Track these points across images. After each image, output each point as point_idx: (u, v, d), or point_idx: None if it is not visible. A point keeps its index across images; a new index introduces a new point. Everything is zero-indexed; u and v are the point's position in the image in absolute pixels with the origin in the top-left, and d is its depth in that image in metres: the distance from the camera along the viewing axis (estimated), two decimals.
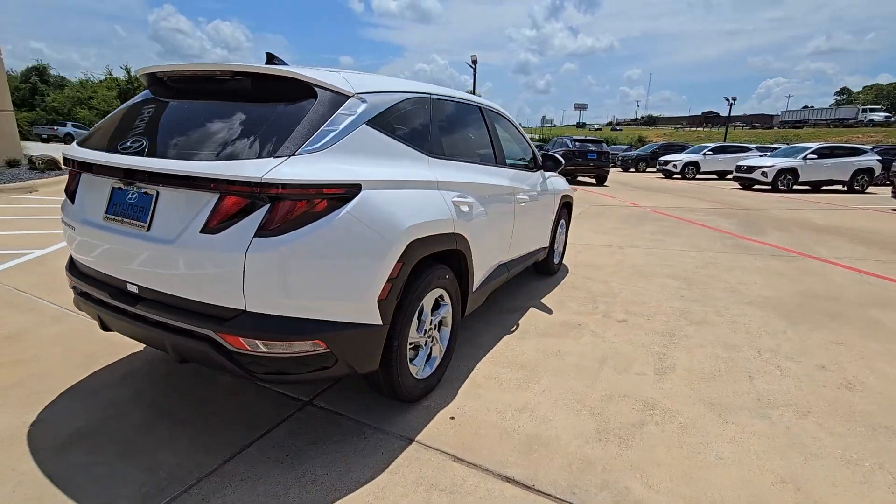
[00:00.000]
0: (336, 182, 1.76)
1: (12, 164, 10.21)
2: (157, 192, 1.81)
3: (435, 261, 2.38)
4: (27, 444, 2.02)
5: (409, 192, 2.11)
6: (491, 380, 2.71)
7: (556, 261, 4.81)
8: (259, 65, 1.93)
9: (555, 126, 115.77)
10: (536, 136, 49.27)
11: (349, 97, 1.98)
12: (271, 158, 1.67)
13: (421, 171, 2.27)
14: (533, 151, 4.02)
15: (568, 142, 16.07)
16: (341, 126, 1.89)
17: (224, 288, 1.68)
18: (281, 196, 1.65)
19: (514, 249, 3.49)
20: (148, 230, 1.80)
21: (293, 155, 1.71)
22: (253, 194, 1.65)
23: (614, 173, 23.63)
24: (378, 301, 1.93)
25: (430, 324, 2.43)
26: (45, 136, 32.14)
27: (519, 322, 3.58)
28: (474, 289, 2.85)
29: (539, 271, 4.74)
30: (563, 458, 2.06)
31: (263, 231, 1.65)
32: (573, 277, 4.81)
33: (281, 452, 2.02)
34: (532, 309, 3.86)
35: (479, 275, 2.88)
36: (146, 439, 2.08)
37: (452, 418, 2.33)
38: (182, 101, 2.03)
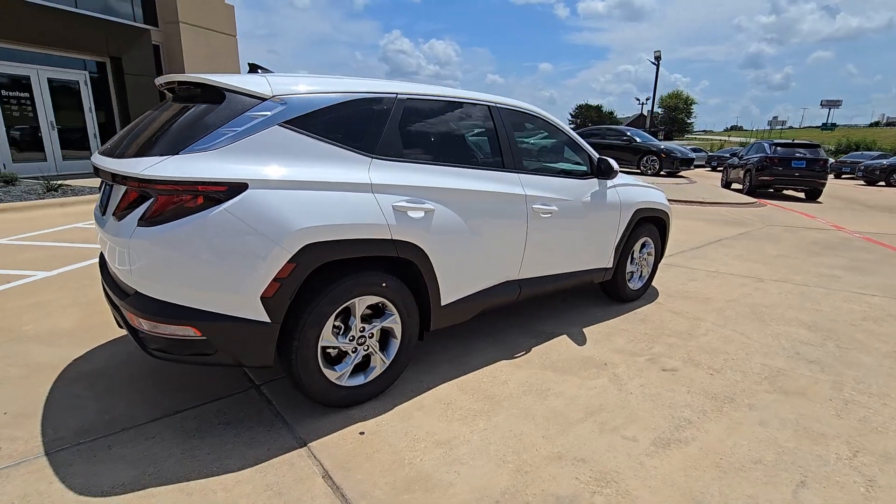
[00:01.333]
0: (213, 180, 1.86)
1: None
2: (111, 187, 2.18)
3: (367, 266, 2.29)
4: (59, 371, 2.66)
5: (318, 193, 2.08)
6: (439, 404, 2.47)
7: (633, 286, 4.05)
8: (193, 74, 2.15)
9: (789, 128, 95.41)
10: (749, 140, 41.41)
11: (265, 100, 2.06)
12: (157, 156, 1.86)
13: (349, 172, 2.20)
14: (588, 157, 3.47)
15: (766, 147, 13.14)
16: (244, 127, 1.98)
17: (124, 268, 1.94)
18: (157, 190, 1.83)
19: (534, 266, 3.09)
20: (103, 215, 2.19)
21: (177, 154, 1.87)
22: (140, 188, 1.86)
23: (847, 188, 18.50)
24: (262, 298, 1.96)
25: (361, 331, 2.34)
26: None
27: (532, 348, 3.15)
28: (446, 303, 2.62)
29: (609, 295, 4.06)
30: None
31: (143, 220, 1.85)
32: (654, 308, 3.98)
33: (195, 424, 2.23)
34: (563, 336, 3.34)
35: (453, 288, 2.64)
36: (124, 387, 2.53)
37: (362, 433, 2.21)
38: (158, 108, 2.39)
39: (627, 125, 32.14)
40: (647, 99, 32.10)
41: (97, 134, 11.12)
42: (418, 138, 2.60)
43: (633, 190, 3.82)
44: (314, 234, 2.03)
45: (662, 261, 5.02)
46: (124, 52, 11.10)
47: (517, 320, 3.59)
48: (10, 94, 9.41)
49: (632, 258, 4.01)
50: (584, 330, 3.49)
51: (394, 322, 2.46)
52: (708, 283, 4.74)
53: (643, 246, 4.11)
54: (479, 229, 2.71)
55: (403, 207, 2.32)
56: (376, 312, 2.43)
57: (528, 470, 2.00)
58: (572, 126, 52.28)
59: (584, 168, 3.46)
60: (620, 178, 3.77)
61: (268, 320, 2.00)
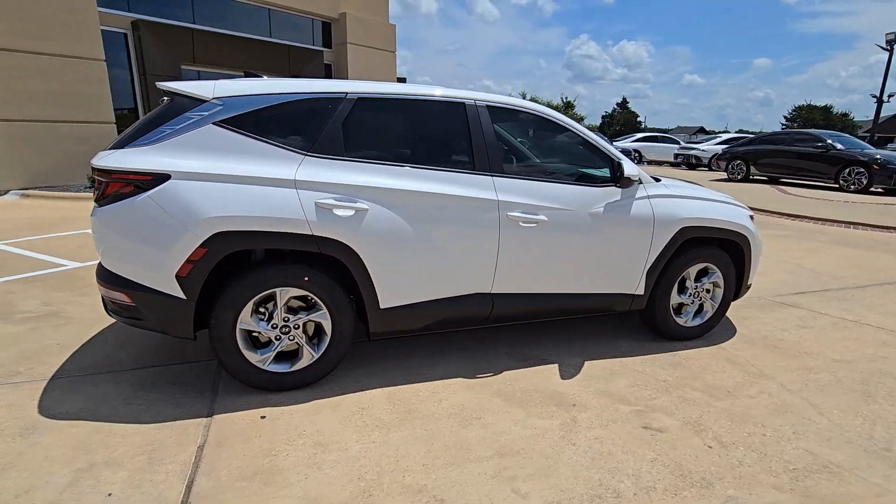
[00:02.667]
0: (140, 170, 2.16)
1: None
2: None
3: (288, 259, 2.38)
4: (111, 322, 3.37)
5: (236, 186, 2.23)
6: (355, 407, 2.41)
7: (684, 322, 3.28)
8: (161, 83, 2.50)
9: None
10: None
11: (206, 101, 2.31)
12: (110, 150, 2.24)
13: (274, 168, 2.30)
14: (611, 161, 2.95)
15: None
16: (181, 125, 2.25)
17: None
18: (102, 178, 2.20)
19: (515, 281, 2.78)
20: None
21: (122, 147, 2.22)
22: (95, 175, 2.27)
23: None
24: (177, 277, 2.21)
25: (286, 321, 2.43)
26: None
27: (504, 372, 2.82)
28: (386, 306, 2.55)
29: (650, 329, 3.37)
30: None
31: (96, 202, 2.25)
32: (707, 353, 3.16)
33: (152, 380, 2.61)
34: (552, 366, 2.91)
35: (395, 293, 2.55)
36: (136, 340, 3.08)
37: (263, 417, 2.30)
38: None
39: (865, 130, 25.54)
40: (891, 96, 25.22)
41: None
42: (366, 137, 2.58)
43: (680, 203, 3.09)
44: (225, 223, 2.19)
45: (779, 298, 4.01)
46: (302, 71, 13.30)
47: (512, 339, 3.25)
48: None
49: (681, 287, 3.26)
50: (587, 363, 2.98)
51: (323, 317, 2.49)
52: (825, 333, 3.55)
53: (703, 274, 3.30)
54: (430, 234, 2.55)
55: (328, 205, 2.33)
56: (309, 306, 2.49)
57: (373, 493, 1.83)
58: (785, 128, 43.31)
59: (600, 174, 2.96)
60: (664, 188, 3.11)
61: (183, 297, 2.24)
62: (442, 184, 2.57)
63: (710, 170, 18.82)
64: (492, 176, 2.68)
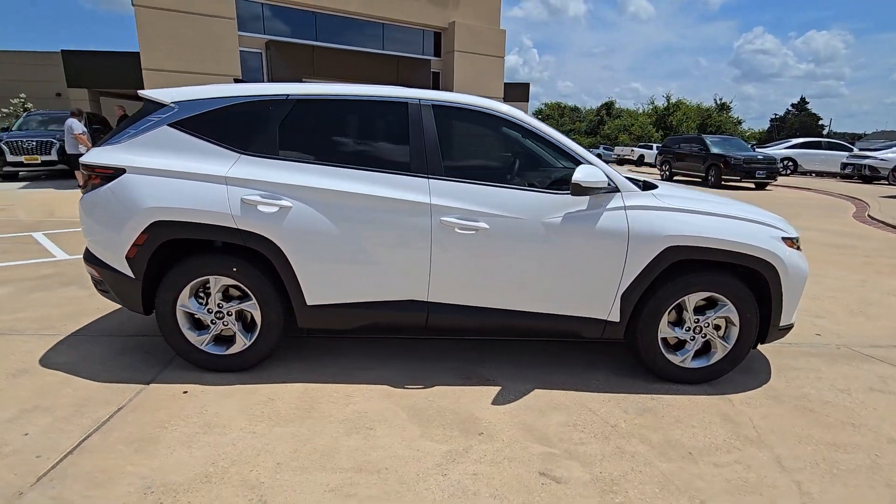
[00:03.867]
0: (103, 164, 2.52)
1: None
2: None
3: (218, 250, 2.56)
4: None
5: (174, 181, 2.47)
6: (265, 398, 2.49)
7: (681, 361, 2.72)
8: (142, 90, 2.84)
9: None
10: None
11: (165, 105, 2.60)
12: (92, 147, 2.65)
13: (210, 166, 2.49)
14: (577, 163, 2.58)
15: None
16: (141, 127, 2.58)
17: None
18: (84, 171, 2.62)
19: (455, 292, 2.61)
20: None
21: (100, 146, 2.61)
22: (83, 169, 2.69)
23: None
24: (127, 258, 2.53)
25: (219, 307, 2.62)
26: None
27: (434, 387, 2.65)
28: (312, 304, 2.59)
29: (642, 364, 2.85)
30: (131, 481, 1.95)
31: (81, 189, 2.69)
32: (702, 403, 2.57)
33: (131, 347, 3.01)
34: (491, 388, 2.65)
35: (321, 291, 2.57)
36: None
37: (185, 392, 2.51)
38: None
39: None
40: None
41: None
42: (303, 138, 2.63)
43: (668, 217, 2.56)
44: (161, 213, 2.45)
45: (870, 349, 3.20)
46: (409, 80, 14.01)
47: (470, 354, 3.03)
48: None
49: (679, 320, 2.71)
50: (536, 391, 2.65)
51: (253, 308, 2.63)
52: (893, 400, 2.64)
53: (710, 306, 2.70)
54: (357, 235, 2.52)
55: (253, 201, 2.46)
56: (243, 295, 2.65)
57: (212, 480, 1.88)
58: None
59: (565, 178, 2.60)
60: (649, 198, 2.62)
61: (132, 276, 2.55)
62: (371, 185, 2.52)
63: (890, 183, 15.11)
64: (427, 178, 2.55)
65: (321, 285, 2.58)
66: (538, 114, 70.71)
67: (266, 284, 2.58)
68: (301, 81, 11.68)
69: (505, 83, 32.38)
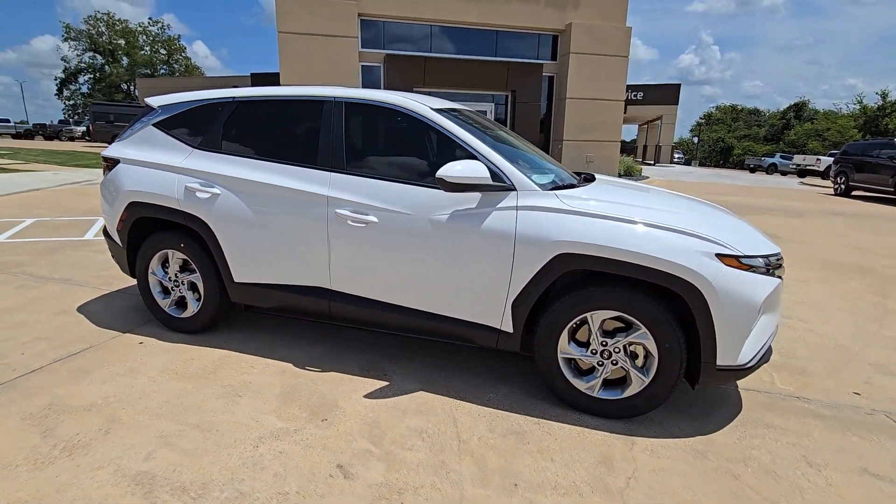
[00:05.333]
0: (108, 156, 3.20)
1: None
2: None
3: (171, 227, 3.05)
4: None
5: (146, 170, 3.01)
6: (189, 358, 2.88)
7: (588, 389, 2.36)
8: (148, 97, 3.46)
9: None
10: None
11: (154, 109, 3.19)
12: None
13: (172, 158, 2.98)
14: (475, 158, 2.44)
15: None
16: (135, 127, 3.20)
17: None
18: (104, 161, 3.35)
19: (353, 283, 2.70)
20: None
21: (113, 143, 3.31)
22: (103, 160, 3.43)
23: None
24: (116, 230, 3.17)
25: (175, 278, 3.11)
26: (752, 166, 35.19)
27: (330, 372, 2.74)
28: (239, 281, 2.92)
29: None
30: (45, 398, 2.53)
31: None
32: (590, 438, 2.21)
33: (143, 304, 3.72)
34: (378, 383, 2.64)
35: (245, 270, 2.89)
36: None
37: (140, 343, 3.04)
38: None
39: None
40: None
41: None
42: (240, 134, 2.95)
43: (565, 221, 2.25)
44: (134, 195, 3.03)
45: (877, 414, 2.56)
46: (520, 85, 13.88)
47: (392, 349, 3.03)
48: None
49: (584, 340, 2.36)
50: (418, 393, 2.57)
51: (198, 279, 3.06)
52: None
53: (623, 329, 2.29)
54: (269, 222, 2.78)
55: (193, 188, 2.88)
56: (183, 265, 3.11)
57: (63, 410, 2.31)
58: None
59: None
60: (551, 199, 2.34)
61: (121, 245, 3.20)
62: (283, 176, 2.75)
63: None
64: (329, 172, 2.68)
65: (244, 265, 2.89)
66: (707, 117, 62.94)
67: (205, 260, 2.99)
68: (412, 91, 12.52)
69: (650, 84, 29.82)
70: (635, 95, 27.25)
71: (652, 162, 32.11)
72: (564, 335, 2.36)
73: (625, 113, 30.50)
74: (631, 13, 13.98)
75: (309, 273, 2.78)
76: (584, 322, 2.33)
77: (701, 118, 64.24)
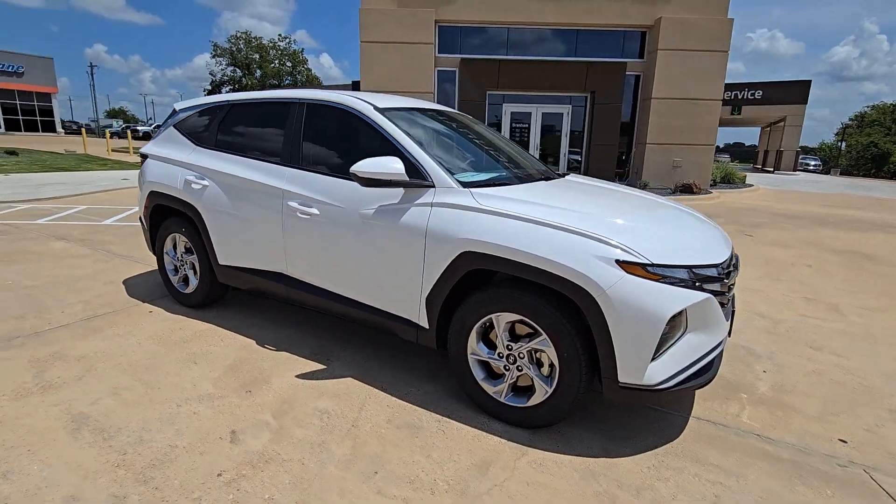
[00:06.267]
0: (142, 153, 3.78)
1: (684, 188, 12.63)
2: None
3: (177, 214, 3.51)
4: None
5: (162, 164, 3.52)
6: (177, 327, 3.30)
7: (497, 393, 2.30)
8: (179, 102, 3.99)
9: None
10: None
11: (176, 112, 3.70)
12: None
13: (180, 154, 3.44)
14: (406, 160, 2.49)
15: None
16: (163, 127, 3.74)
17: None
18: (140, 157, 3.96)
19: (304, 270, 2.91)
20: None
21: (149, 143, 3.90)
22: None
23: None
24: (143, 216, 3.75)
25: (181, 259, 3.58)
26: None
27: (282, 352, 2.97)
28: (223, 263, 3.29)
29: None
30: (54, 348, 3.10)
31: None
32: (486, 449, 2.16)
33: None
34: (317, 367, 2.80)
35: (226, 254, 3.24)
36: None
37: (150, 312, 3.55)
38: None
39: None
40: None
41: (567, 153, 14.06)
42: (230, 133, 3.30)
43: (473, 219, 2.21)
44: (153, 186, 3.56)
45: (850, 467, 2.31)
46: (600, 85, 13.16)
47: (341, 336, 3.18)
48: (516, 125, 13.87)
49: (494, 342, 2.30)
50: (345, 379, 2.69)
51: (195, 260, 3.50)
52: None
53: (527, 334, 2.19)
54: (241, 211, 3.10)
55: (189, 181, 3.31)
56: (186, 247, 3.56)
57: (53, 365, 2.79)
58: None
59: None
60: (464, 196, 2.32)
61: (147, 227, 3.77)
62: (254, 171, 3.04)
63: None
64: (288, 167, 2.91)
65: (226, 249, 3.25)
66: (859, 119, 53.83)
67: (199, 243, 3.41)
68: (485, 93, 12.61)
69: (771, 82, 26.35)
70: (752, 94, 24.31)
71: (771, 169, 28.36)
72: (473, 335, 2.32)
73: (738, 114, 27.41)
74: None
75: (272, 259, 3.04)
76: (492, 325, 2.27)
77: (850, 119, 55.10)
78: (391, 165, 2.35)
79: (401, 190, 2.47)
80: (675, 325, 2.02)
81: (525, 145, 13.89)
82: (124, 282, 4.23)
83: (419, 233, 2.36)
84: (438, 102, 13.28)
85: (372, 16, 12.55)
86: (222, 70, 60.67)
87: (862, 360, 3.17)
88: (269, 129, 3.16)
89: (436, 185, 2.41)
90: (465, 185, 2.41)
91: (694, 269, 2.02)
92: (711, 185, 14.11)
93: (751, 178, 19.38)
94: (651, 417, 2.43)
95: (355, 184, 2.61)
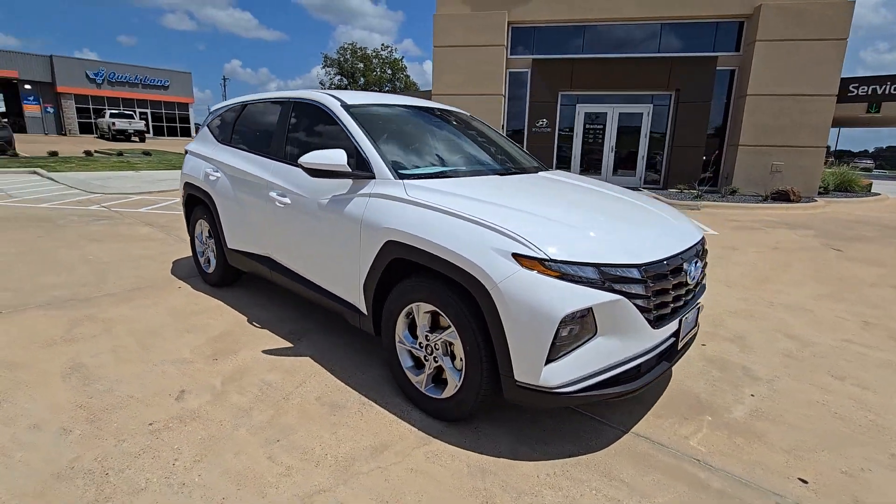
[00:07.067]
0: (185, 149, 4.34)
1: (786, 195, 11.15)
2: None
3: (200, 203, 3.97)
4: None
5: (194, 159, 4.02)
6: (190, 300, 3.75)
7: (419, 383, 2.33)
8: (217, 103, 4.47)
9: None
10: None
11: (210, 112, 4.19)
12: None
13: (206, 149, 3.90)
14: (355, 151, 2.62)
15: None
16: (201, 127, 4.26)
17: None
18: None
19: (284, 254, 3.17)
20: None
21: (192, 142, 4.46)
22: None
23: None
24: (182, 204, 4.30)
25: (205, 241, 4.05)
26: None
27: (263, 330, 3.24)
28: (230, 247, 3.68)
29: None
30: (90, 310, 3.69)
31: None
32: (396, 433, 2.21)
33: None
34: (284, 345, 3.02)
35: (233, 238, 3.62)
36: None
37: (179, 287, 4.07)
38: None
39: None
40: None
41: (644, 156, 13.08)
42: (241, 131, 3.66)
43: (398, 209, 2.26)
44: (185, 177, 4.08)
45: None
46: (685, 82, 12.05)
47: (321, 321, 3.37)
48: (589, 126, 13.22)
49: (414, 333, 2.33)
50: (304, 358, 2.87)
51: (214, 244, 3.94)
52: None
53: (442, 327, 2.19)
54: (239, 200, 3.45)
55: (208, 173, 3.75)
56: (207, 231, 4.01)
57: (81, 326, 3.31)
58: None
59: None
60: (396, 187, 2.38)
61: (184, 214, 4.32)
62: (249, 164, 3.37)
63: None
64: (275, 160, 3.18)
65: (232, 233, 3.63)
66: None
67: (215, 228, 3.84)
68: (558, 94, 12.28)
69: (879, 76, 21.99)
70: (893, 89, 20.61)
71: None
72: (400, 324, 2.37)
73: (876, 112, 23.19)
74: None
75: (262, 245, 3.34)
76: (413, 314, 2.30)
77: None
78: (333, 157, 2.48)
79: (349, 181, 2.60)
80: (584, 326, 1.89)
81: (599, 147, 13.27)
82: (174, 262, 4.87)
83: (357, 221, 2.47)
84: (509, 104, 13.27)
85: (445, 21, 12.85)
86: (330, 79, 65.87)
87: (890, 396, 2.64)
88: (267, 126, 3.48)
89: (376, 176, 2.50)
90: (404, 176, 2.47)
91: (603, 268, 1.88)
92: (821, 193, 12.30)
93: (884, 186, 16.53)
94: (585, 426, 2.28)
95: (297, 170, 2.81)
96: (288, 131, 3.19)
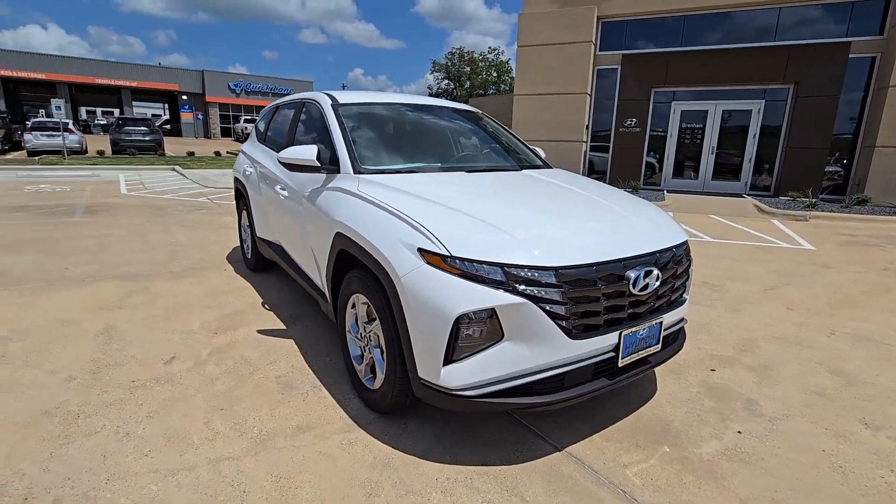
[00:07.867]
0: (239, 148, 4.85)
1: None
2: None
3: (242, 196, 4.42)
4: None
5: (241, 156, 4.49)
6: (227, 281, 4.20)
7: (361, 372, 2.40)
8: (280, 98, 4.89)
9: None
10: None
11: (260, 115, 4.64)
12: None
13: (249, 148, 4.34)
14: (332, 146, 2.76)
15: None
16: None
17: None
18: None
19: (286, 241, 3.44)
20: None
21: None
22: None
23: None
24: (235, 197, 4.83)
25: (245, 230, 4.51)
26: None
27: (269, 310, 3.53)
28: (260, 236, 4.06)
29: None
30: (130, 287, 4.31)
31: None
32: (334, 419, 2.29)
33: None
34: (279, 327, 3.27)
35: (261, 228, 3.99)
36: None
37: (225, 270, 4.58)
38: None
39: None
40: None
41: (752, 158, 11.45)
42: (272, 129, 4.00)
43: (343, 200, 2.34)
44: (235, 173, 4.59)
45: None
46: (806, 73, 10.32)
47: (310, 311, 3.55)
48: (686, 126, 11.92)
49: (356, 322, 2.39)
50: (284, 340, 3.08)
51: (250, 232, 4.37)
52: None
53: (373, 319, 2.22)
54: (261, 193, 3.80)
55: (245, 169, 4.18)
56: (247, 219, 4.44)
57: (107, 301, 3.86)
58: None
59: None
60: (352, 181, 2.46)
61: (235, 205, 4.84)
62: (269, 160, 3.70)
63: None
64: None
65: (260, 224, 4.00)
66: None
67: (249, 217, 4.26)
68: (650, 91, 11.41)
69: None
70: None
71: None
72: (349, 314, 2.45)
73: None
74: None
75: (274, 233, 3.65)
76: (355, 303, 2.37)
77: None
78: (303, 152, 2.64)
79: (323, 175, 2.74)
80: (489, 328, 1.80)
81: (697, 149, 12.01)
82: (234, 248, 5.48)
83: (322, 212, 2.60)
84: (595, 103, 12.60)
85: (531, 19, 12.61)
86: (437, 83, 68.06)
87: None
88: (285, 125, 3.78)
89: (341, 170, 2.61)
90: (363, 171, 2.54)
91: (508, 268, 1.77)
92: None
93: None
94: (517, 437, 2.15)
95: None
96: (296, 129, 3.44)
